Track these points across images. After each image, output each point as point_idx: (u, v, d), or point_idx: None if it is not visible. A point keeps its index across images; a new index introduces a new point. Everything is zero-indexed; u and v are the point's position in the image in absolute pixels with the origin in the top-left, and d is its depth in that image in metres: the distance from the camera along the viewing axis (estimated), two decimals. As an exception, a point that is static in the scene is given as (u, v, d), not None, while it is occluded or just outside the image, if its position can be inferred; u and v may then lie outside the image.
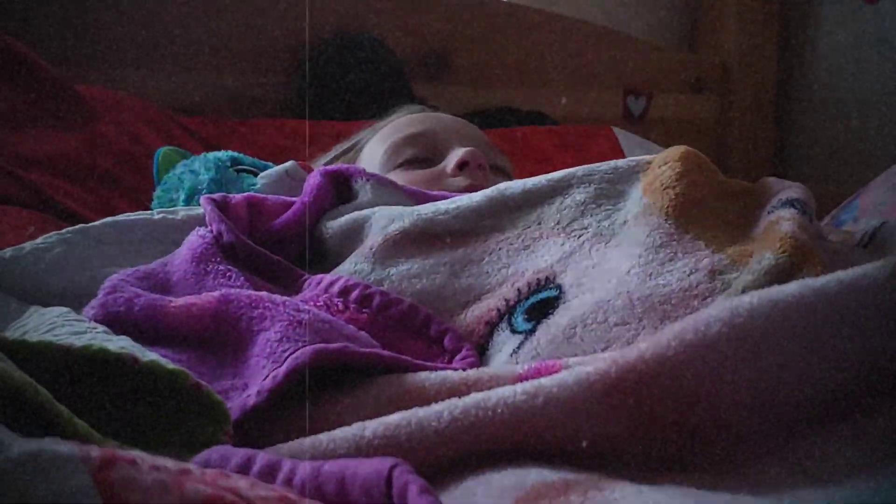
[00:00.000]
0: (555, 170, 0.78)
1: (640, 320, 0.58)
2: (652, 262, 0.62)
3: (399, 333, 0.66)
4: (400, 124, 1.07)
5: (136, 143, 1.23)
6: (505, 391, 0.47)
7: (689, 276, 0.60)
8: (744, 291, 0.56)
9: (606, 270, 0.64)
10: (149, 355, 0.54)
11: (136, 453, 0.35)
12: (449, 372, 0.56)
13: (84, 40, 1.37)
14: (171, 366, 0.51)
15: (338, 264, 0.77)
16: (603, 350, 0.57)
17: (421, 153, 1.01)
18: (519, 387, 0.47)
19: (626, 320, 0.58)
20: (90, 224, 0.80)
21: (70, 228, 0.79)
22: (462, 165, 0.96)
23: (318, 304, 0.69)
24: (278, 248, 0.80)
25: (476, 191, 0.92)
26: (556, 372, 0.52)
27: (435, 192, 0.85)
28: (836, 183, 1.67)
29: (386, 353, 0.59)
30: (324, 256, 0.82)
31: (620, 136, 1.54)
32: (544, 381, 0.47)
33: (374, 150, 1.05)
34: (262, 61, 1.51)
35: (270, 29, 1.52)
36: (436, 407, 0.49)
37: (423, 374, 0.56)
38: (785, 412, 0.46)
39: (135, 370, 0.51)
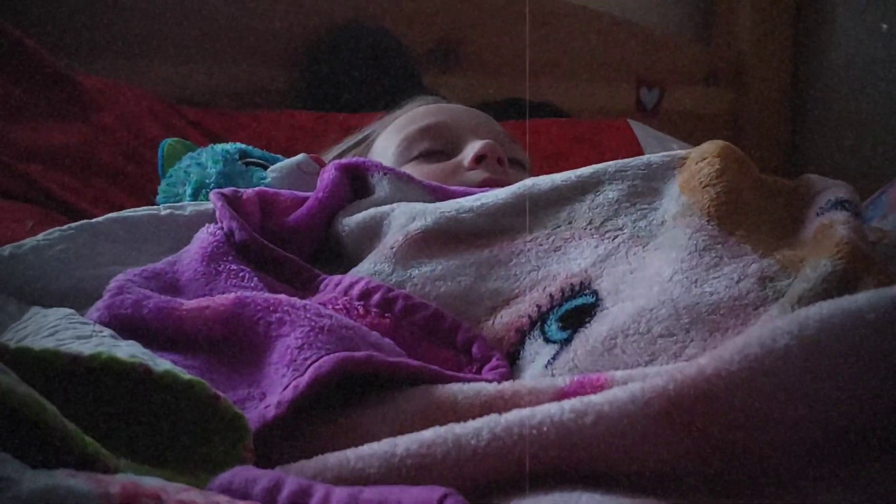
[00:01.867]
0: (570, 164, 0.74)
1: (686, 331, 0.54)
2: (696, 268, 0.58)
3: (423, 340, 0.63)
4: (413, 116, 1.03)
5: (138, 135, 1.20)
6: (551, 408, 0.44)
7: (737, 283, 0.56)
8: (800, 301, 0.52)
9: (647, 276, 0.60)
10: (162, 364, 0.51)
11: (158, 485, 0.31)
12: (483, 384, 0.52)
13: (84, 28, 1.33)
14: (186, 376, 0.47)
15: (355, 263, 0.73)
16: (647, 363, 0.53)
17: (436, 146, 0.97)
18: (566, 404, 0.44)
19: (672, 331, 0.54)
20: (94, 220, 0.77)
21: (73, 224, 0.76)
22: (479, 158, 0.93)
23: (336, 307, 0.65)
24: (292, 246, 0.76)
25: (495, 185, 0.89)
26: (601, 387, 0.49)
27: (456, 188, 0.81)
28: (853, 178, 1.63)
29: (414, 362, 0.56)
30: (339, 255, 0.78)
31: (637, 128, 1.50)
32: (594, 398, 0.43)
33: (386, 142, 1.01)
34: (268, 51, 1.47)
35: (277, 18, 1.47)
36: (474, 424, 0.45)
37: (454, 386, 0.53)
38: (856, 431, 0.42)
39: (147, 381, 0.47)
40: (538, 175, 1.04)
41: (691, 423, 0.41)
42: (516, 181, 0.95)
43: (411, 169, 0.92)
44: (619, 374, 0.49)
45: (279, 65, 1.49)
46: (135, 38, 1.35)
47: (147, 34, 1.37)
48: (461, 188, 0.82)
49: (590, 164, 0.74)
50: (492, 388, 0.51)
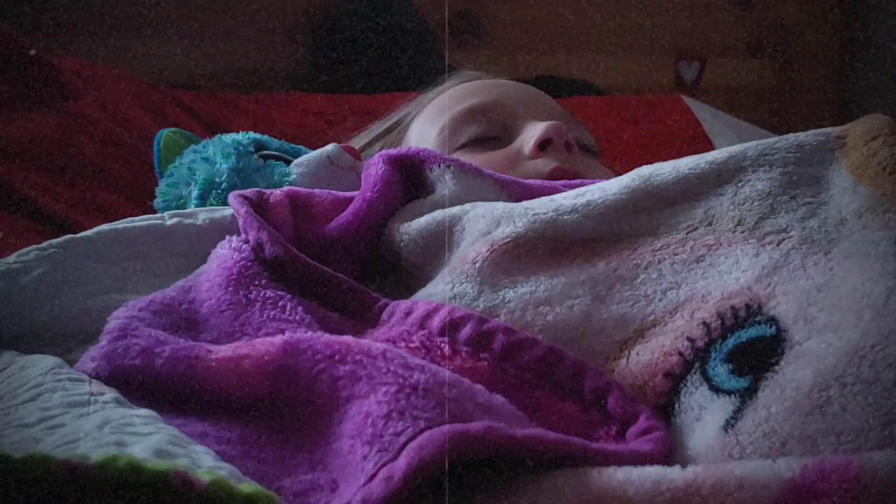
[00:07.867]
0: (627, 146, 0.60)
1: None
2: (920, 285, 0.43)
3: (536, 389, 0.47)
4: (457, 95, 0.88)
5: (123, 124, 1.07)
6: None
7: (982, 305, 0.41)
8: None
9: (845, 296, 0.44)
10: (203, 462, 0.35)
11: None
12: (661, 470, 0.37)
13: (59, 4, 1.18)
14: (249, 487, 0.31)
15: (419, 282, 0.58)
16: (883, 426, 0.38)
17: (488, 130, 0.83)
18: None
19: (912, 379, 0.39)
20: (81, 234, 0.63)
21: (54, 241, 0.62)
22: (543, 144, 0.78)
23: (411, 344, 0.50)
24: (335, 261, 0.60)
25: (564, 176, 0.74)
26: (857, 479, 0.33)
27: (533, 183, 0.66)
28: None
29: (551, 435, 0.40)
30: (388, 271, 0.63)
31: (693, 106, 1.36)
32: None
33: (425, 127, 0.86)
34: (270, 26, 1.32)
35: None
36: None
37: (619, 473, 0.37)
38: None
39: (189, 497, 0.31)
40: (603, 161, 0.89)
41: None
42: (588, 171, 0.80)
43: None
44: (878, 457, 0.34)
45: (281, 40, 1.35)
46: (114, 13, 1.21)
47: (128, 8, 1.22)
48: (538, 182, 0.66)
49: (651, 145, 0.59)
50: (677, 476, 0.36)
